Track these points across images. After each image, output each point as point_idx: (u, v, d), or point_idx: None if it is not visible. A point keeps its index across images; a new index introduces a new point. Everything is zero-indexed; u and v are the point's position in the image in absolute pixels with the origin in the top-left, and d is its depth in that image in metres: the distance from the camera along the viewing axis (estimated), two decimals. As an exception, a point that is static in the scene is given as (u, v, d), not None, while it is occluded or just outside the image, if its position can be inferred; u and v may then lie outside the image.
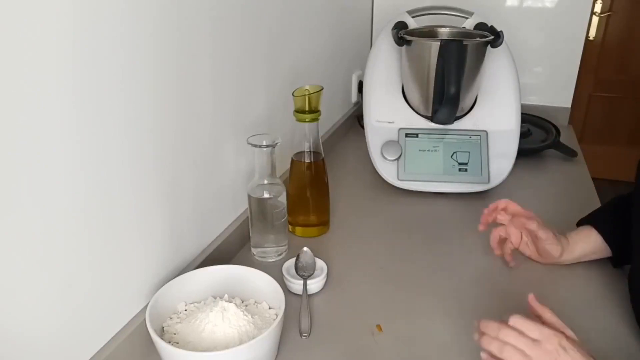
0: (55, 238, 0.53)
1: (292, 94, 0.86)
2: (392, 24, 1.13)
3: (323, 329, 0.73)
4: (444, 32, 1.15)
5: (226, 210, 0.89)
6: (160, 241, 0.71)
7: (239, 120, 0.89)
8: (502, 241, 0.87)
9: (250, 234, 0.89)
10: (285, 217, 0.89)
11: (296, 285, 0.79)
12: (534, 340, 0.56)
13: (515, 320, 0.58)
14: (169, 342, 0.63)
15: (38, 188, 0.50)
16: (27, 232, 0.49)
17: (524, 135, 1.27)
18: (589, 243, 0.83)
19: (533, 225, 0.81)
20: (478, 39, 1.06)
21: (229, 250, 0.88)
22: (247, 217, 0.89)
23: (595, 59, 2.83)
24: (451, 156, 1.10)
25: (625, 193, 0.83)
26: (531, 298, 0.64)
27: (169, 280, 0.70)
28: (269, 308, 0.70)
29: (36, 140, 0.49)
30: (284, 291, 0.67)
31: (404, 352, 0.69)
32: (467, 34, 1.13)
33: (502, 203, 0.86)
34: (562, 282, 0.83)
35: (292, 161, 0.92)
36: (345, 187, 1.15)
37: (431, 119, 1.11)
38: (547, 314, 0.62)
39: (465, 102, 1.11)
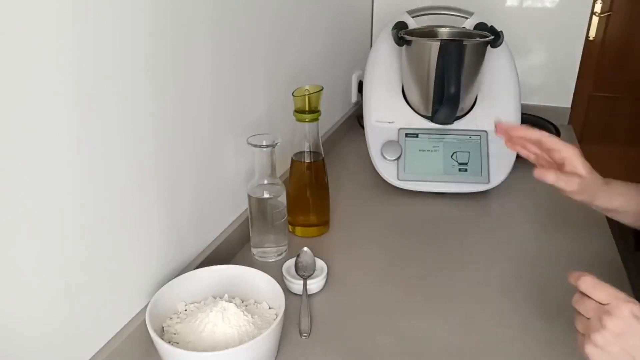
0: (55, 238, 0.53)
1: (292, 94, 0.86)
2: (392, 24, 1.13)
3: (323, 329, 0.73)
4: (444, 32, 1.15)
5: (226, 210, 0.89)
6: (160, 241, 0.72)
7: (239, 120, 0.89)
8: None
9: (250, 234, 0.89)
10: (285, 217, 0.89)
11: (296, 285, 0.79)
12: (602, 305, 0.52)
13: (583, 282, 0.53)
14: (169, 342, 0.63)
15: (37, 188, 0.50)
16: (27, 232, 0.49)
17: (524, 135, 1.26)
18: (632, 200, 0.72)
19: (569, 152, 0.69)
20: (478, 39, 1.06)
21: (229, 250, 0.88)
22: (247, 217, 0.89)
23: (595, 59, 2.82)
24: (451, 156, 1.10)
25: None
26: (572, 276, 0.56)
27: (169, 280, 0.70)
28: (269, 308, 0.70)
29: (35, 140, 0.49)
30: (284, 291, 0.67)
31: (404, 352, 0.69)
32: (467, 34, 1.13)
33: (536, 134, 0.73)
34: (565, 281, 0.83)
35: (292, 161, 0.92)
36: (345, 187, 1.15)
37: (431, 119, 1.11)
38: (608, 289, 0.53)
39: (465, 102, 1.11)
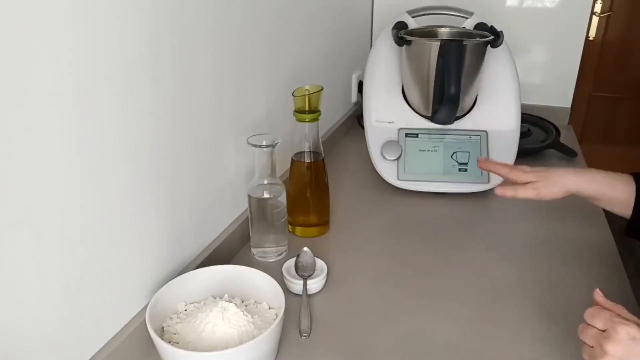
0: (55, 238, 0.53)
1: (292, 94, 0.86)
2: (392, 24, 1.13)
3: (323, 329, 0.73)
4: (444, 32, 1.15)
5: (226, 210, 0.89)
6: (160, 241, 0.71)
7: (239, 120, 0.89)
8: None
9: (250, 234, 0.89)
10: (285, 217, 0.89)
11: (296, 285, 0.79)
12: (601, 331, 0.54)
13: (586, 314, 0.57)
14: (169, 342, 0.63)
15: (37, 188, 0.50)
16: (27, 232, 0.49)
17: (524, 135, 1.27)
18: (615, 187, 0.75)
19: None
20: (478, 39, 1.06)
21: (229, 250, 0.88)
22: (247, 217, 0.89)
23: (595, 59, 2.82)
24: (451, 156, 1.10)
25: None
26: (597, 293, 0.59)
27: (169, 280, 0.70)
28: (269, 308, 0.70)
29: (35, 140, 0.49)
30: (284, 291, 0.67)
31: (404, 352, 0.69)
32: (467, 34, 1.13)
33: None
34: (566, 281, 0.83)
35: (292, 161, 0.92)
36: (345, 187, 1.15)
37: (431, 119, 1.11)
38: (617, 310, 0.57)
39: (465, 102, 1.11)
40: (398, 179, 1.10)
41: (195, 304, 0.71)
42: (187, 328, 0.64)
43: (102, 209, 0.59)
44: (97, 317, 0.61)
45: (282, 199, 0.86)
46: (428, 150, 1.10)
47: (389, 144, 1.11)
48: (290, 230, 0.96)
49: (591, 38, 2.76)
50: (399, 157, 1.10)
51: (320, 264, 0.84)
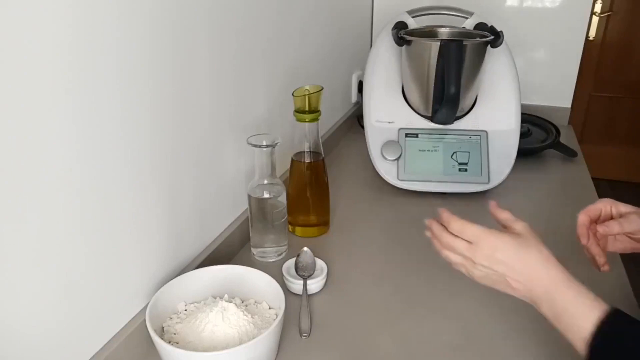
0: (55, 238, 0.53)
1: (292, 94, 0.86)
2: (392, 24, 1.13)
3: (323, 329, 0.73)
4: (444, 32, 1.15)
5: (226, 210, 0.89)
6: (161, 241, 0.72)
7: (239, 120, 0.89)
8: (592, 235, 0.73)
9: (250, 234, 0.89)
10: (285, 217, 0.89)
11: (296, 285, 0.79)
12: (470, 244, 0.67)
13: (452, 224, 0.69)
14: (169, 342, 0.63)
15: (37, 187, 0.50)
16: (27, 232, 0.49)
17: (524, 135, 1.27)
18: None
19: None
20: (478, 39, 1.06)
21: (229, 250, 0.88)
22: (247, 217, 0.89)
23: (595, 59, 2.83)
24: (451, 156, 1.10)
25: None
26: (492, 205, 0.70)
27: (169, 280, 0.70)
28: (269, 308, 0.70)
29: (36, 140, 0.49)
30: (284, 291, 0.67)
31: (404, 352, 0.69)
32: (467, 34, 1.13)
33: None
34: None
35: (292, 161, 0.92)
36: (345, 187, 1.15)
37: (431, 119, 1.11)
38: (503, 215, 0.69)
39: (465, 102, 1.11)
40: (398, 179, 1.10)
41: (195, 304, 0.71)
42: (187, 328, 0.64)
43: (102, 209, 0.59)
44: (97, 317, 0.61)
45: (282, 199, 0.86)
46: (428, 150, 1.10)
47: (389, 144, 1.11)
48: (290, 230, 0.97)
49: (591, 38, 2.76)
50: (399, 157, 1.10)
51: (320, 264, 0.84)
